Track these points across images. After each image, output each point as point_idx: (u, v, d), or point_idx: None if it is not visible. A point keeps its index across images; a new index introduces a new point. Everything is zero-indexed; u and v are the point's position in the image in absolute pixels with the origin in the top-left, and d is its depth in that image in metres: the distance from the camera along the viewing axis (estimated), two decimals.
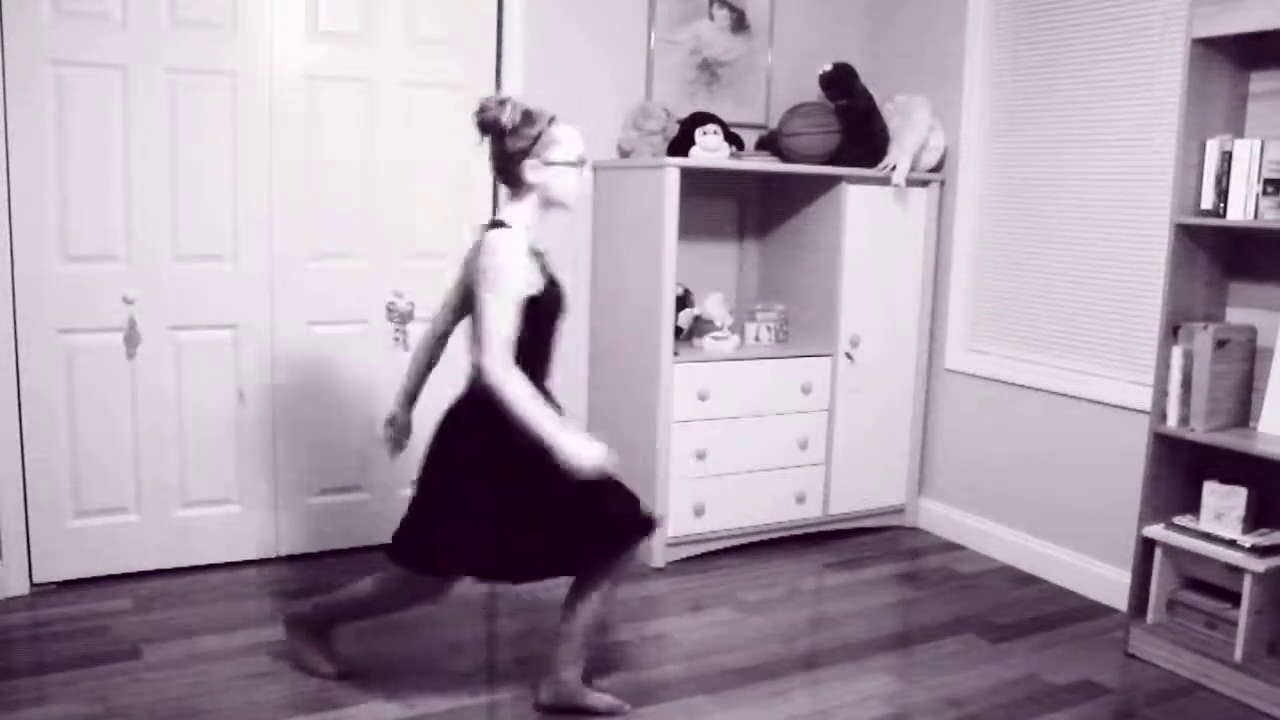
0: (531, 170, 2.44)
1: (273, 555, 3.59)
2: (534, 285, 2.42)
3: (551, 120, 2.46)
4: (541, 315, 2.46)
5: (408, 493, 3.73)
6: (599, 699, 2.62)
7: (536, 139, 2.43)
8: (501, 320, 2.34)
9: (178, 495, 3.42)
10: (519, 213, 2.49)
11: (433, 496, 2.51)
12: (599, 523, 2.49)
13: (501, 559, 2.45)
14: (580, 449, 2.34)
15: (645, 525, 2.57)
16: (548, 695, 2.62)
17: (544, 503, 2.43)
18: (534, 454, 2.35)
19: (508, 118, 2.41)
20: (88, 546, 3.32)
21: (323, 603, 2.71)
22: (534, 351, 2.46)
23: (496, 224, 2.47)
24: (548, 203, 2.49)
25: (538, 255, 2.50)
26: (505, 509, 2.43)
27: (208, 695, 2.63)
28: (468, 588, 3.45)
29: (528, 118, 2.43)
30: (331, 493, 3.64)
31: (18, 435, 3.17)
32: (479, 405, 2.42)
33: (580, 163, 2.48)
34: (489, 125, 2.44)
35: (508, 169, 2.47)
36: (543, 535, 2.44)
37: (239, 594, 3.29)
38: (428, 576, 2.53)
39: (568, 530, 2.46)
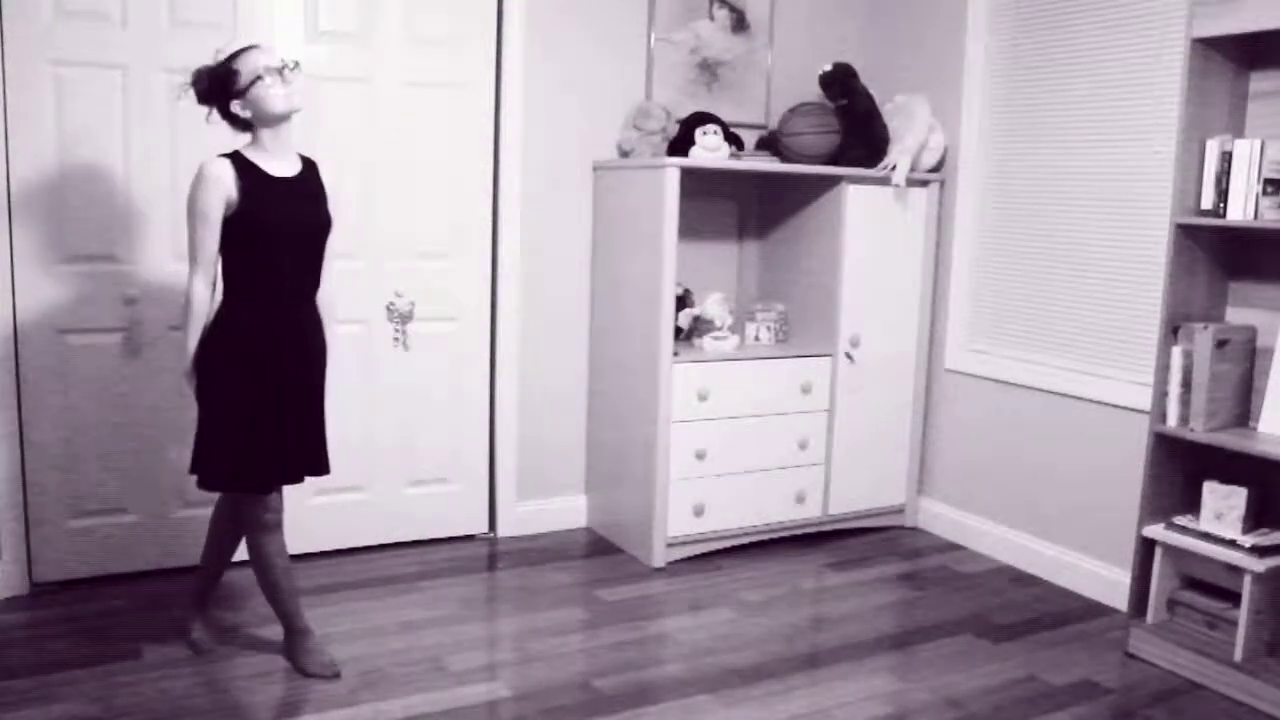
0: (239, 108, 2.56)
1: None
2: (231, 205, 2.53)
3: (235, 56, 2.54)
4: (245, 233, 2.55)
5: (405, 490, 3.78)
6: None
7: (224, 84, 2.54)
8: (193, 240, 2.54)
9: (177, 495, 3.42)
10: (247, 140, 2.62)
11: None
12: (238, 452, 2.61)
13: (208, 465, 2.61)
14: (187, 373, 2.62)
15: (236, 478, 2.63)
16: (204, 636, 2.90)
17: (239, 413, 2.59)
18: (223, 366, 2.58)
19: (205, 86, 2.56)
20: (88, 546, 3.32)
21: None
22: (256, 270, 2.59)
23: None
24: (268, 121, 2.58)
25: (262, 179, 2.57)
26: (213, 416, 2.60)
27: (208, 695, 2.63)
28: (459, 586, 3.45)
29: (224, 76, 2.54)
30: (331, 492, 3.64)
31: (18, 435, 3.17)
32: (211, 327, 2.61)
33: (264, 73, 2.53)
34: (200, 95, 2.58)
35: (233, 120, 2.59)
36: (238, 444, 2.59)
37: (239, 594, 3.29)
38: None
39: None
